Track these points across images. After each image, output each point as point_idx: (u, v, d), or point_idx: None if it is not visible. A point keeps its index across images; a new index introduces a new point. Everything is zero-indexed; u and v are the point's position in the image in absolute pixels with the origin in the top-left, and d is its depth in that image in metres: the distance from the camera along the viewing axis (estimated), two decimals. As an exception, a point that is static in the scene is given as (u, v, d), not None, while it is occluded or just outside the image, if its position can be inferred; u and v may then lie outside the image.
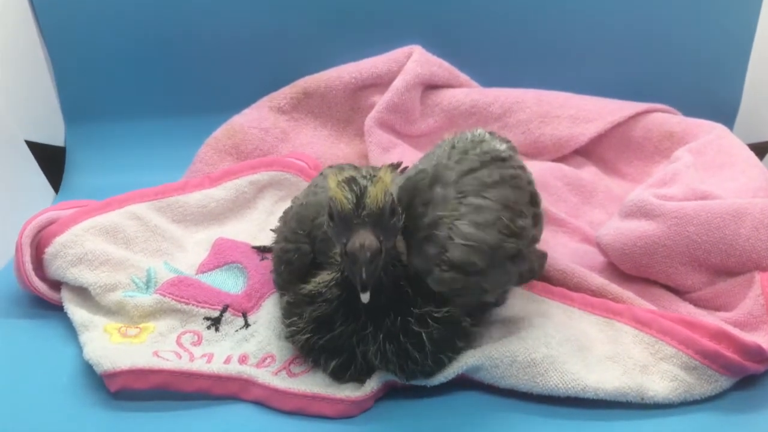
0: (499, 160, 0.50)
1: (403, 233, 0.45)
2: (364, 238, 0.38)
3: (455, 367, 0.45)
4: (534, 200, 0.52)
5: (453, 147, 0.52)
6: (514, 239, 0.46)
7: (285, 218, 0.53)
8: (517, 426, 0.44)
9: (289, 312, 0.47)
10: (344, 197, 0.39)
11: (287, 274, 0.49)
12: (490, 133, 0.56)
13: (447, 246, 0.44)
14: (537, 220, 0.52)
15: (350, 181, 0.40)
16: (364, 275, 0.38)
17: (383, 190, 0.40)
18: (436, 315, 0.44)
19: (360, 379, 0.45)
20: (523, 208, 0.49)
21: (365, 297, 0.39)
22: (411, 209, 0.45)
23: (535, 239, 0.52)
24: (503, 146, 0.54)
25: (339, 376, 0.46)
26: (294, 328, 0.46)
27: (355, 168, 0.49)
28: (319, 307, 0.45)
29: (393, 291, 0.43)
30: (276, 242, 0.52)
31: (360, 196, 0.39)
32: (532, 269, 0.51)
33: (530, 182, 0.53)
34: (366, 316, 0.43)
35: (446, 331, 0.44)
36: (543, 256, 0.53)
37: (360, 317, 0.43)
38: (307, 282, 0.46)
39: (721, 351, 0.46)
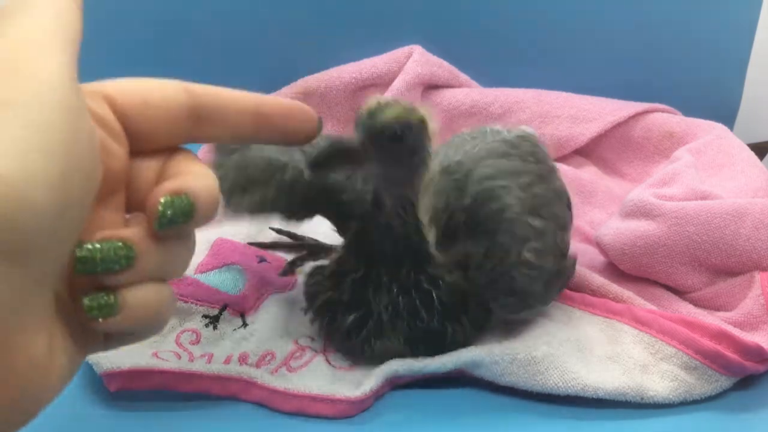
0: (551, 170, 0.52)
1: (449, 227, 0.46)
2: (347, 138, 0.39)
3: (455, 360, 0.45)
4: (569, 204, 0.53)
5: (503, 141, 0.52)
6: (562, 259, 0.49)
7: None
8: (517, 425, 0.44)
9: (313, 272, 0.48)
10: (370, 103, 0.40)
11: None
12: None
13: (513, 275, 0.45)
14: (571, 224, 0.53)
15: (392, 101, 0.40)
16: (313, 150, 0.38)
17: (400, 114, 0.40)
18: (447, 279, 0.44)
19: (370, 342, 0.45)
20: (568, 222, 0.51)
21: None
22: (473, 217, 0.46)
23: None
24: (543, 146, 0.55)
25: (354, 333, 0.46)
26: (317, 287, 0.47)
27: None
28: (337, 262, 0.46)
29: (405, 241, 0.43)
30: None
31: (379, 108, 0.40)
32: (569, 279, 0.52)
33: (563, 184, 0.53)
34: (380, 266, 0.44)
35: (454, 298, 0.45)
36: (574, 263, 0.52)
37: (374, 267, 0.44)
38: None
39: (722, 351, 0.46)
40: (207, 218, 0.26)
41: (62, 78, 0.22)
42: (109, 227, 0.25)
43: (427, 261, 0.44)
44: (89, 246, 0.24)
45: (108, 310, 0.25)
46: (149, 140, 0.28)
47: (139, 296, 0.25)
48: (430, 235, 0.46)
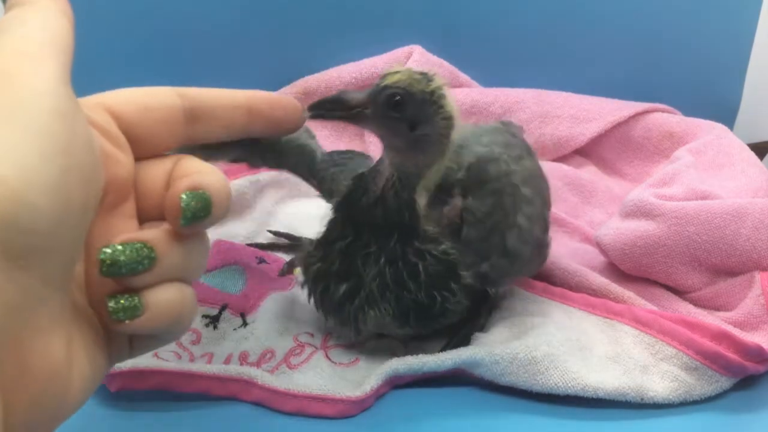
0: (534, 152, 0.53)
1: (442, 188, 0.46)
2: (353, 92, 0.40)
3: (455, 358, 0.45)
4: (548, 188, 0.55)
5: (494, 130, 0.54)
6: (545, 234, 0.51)
7: None
8: (517, 425, 0.44)
9: (309, 245, 0.48)
10: (394, 67, 0.40)
11: None
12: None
13: (507, 235, 0.46)
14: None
15: (410, 70, 0.41)
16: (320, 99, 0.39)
17: (402, 79, 0.39)
18: (434, 253, 0.44)
19: (363, 310, 0.45)
20: (548, 200, 0.53)
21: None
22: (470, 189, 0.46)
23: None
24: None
25: (347, 303, 0.46)
26: (310, 258, 0.47)
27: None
28: (325, 232, 0.46)
29: (396, 215, 0.43)
30: None
31: (391, 72, 0.40)
32: (545, 259, 0.54)
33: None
34: (369, 235, 0.44)
35: (441, 268, 0.45)
36: (549, 244, 0.54)
37: (362, 235, 0.44)
38: None
39: (722, 351, 0.46)
40: (222, 214, 0.27)
41: (54, 85, 0.23)
42: (122, 234, 0.26)
43: (415, 236, 0.44)
44: (113, 248, 0.25)
45: (132, 311, 0.25)
46: (151, 145, 0.29)
47: (162, 297, 0.26)
48: (422, 199, 0.45)
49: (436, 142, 0.42)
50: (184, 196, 0.26)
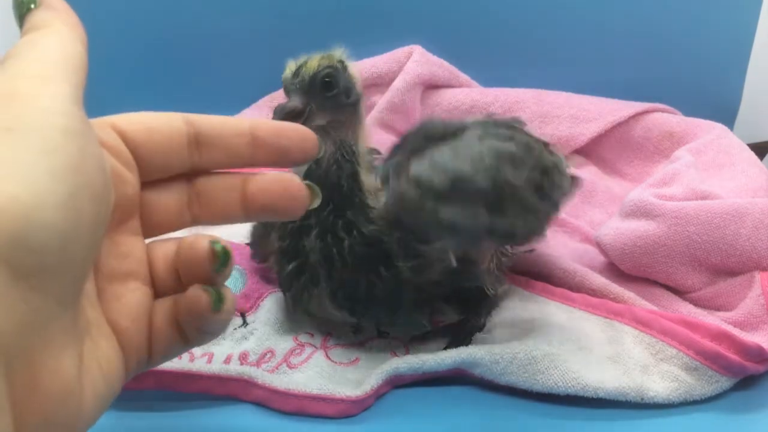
0: (514, 126, 0.47)
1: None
2: (288, 102, 0.42)
3: (455, 356, 0.45)
4: (547, 171, 0.45)
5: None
6: (489, 182, 0.40)
7: None
8: (517, 424, 0.44)
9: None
10: (289, 67, 0.43)
11: None
12: None
13: (413, 161, 0.41)
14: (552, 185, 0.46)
15: (308, 57, 0.43)
16: None
17: (319, 62, 0.42)
18: (362, 229, 0.44)
19: (309, 289, 0.46)
20: (526, 161, 0.43)
21: None
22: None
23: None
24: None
25: (293, 281, 0.47)
26: (278, 243, 0.49)
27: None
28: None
29: (337, 186, 0.44)
30: None
31: (300, 66, 0.42)
32: (532, 230, 0.45)
33: (547, 155, 0.47)
34: (311, 210, 0.44)
35: (369, 250, 0.44)
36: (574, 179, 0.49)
37: (309, 215, 0.45)
38: None
39: (722, 352, 0.46)
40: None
41: (65, 104, 0.23)
42: (130, 251, 0.27)
43: (350, 205, 0.44)
44: (221, 244, 0.28)
45: (221, 301, 0.28)
46: (156, 167, 0.30)
47: (228, 293, 0.29)
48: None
49: (362, 99, 0.45)
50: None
